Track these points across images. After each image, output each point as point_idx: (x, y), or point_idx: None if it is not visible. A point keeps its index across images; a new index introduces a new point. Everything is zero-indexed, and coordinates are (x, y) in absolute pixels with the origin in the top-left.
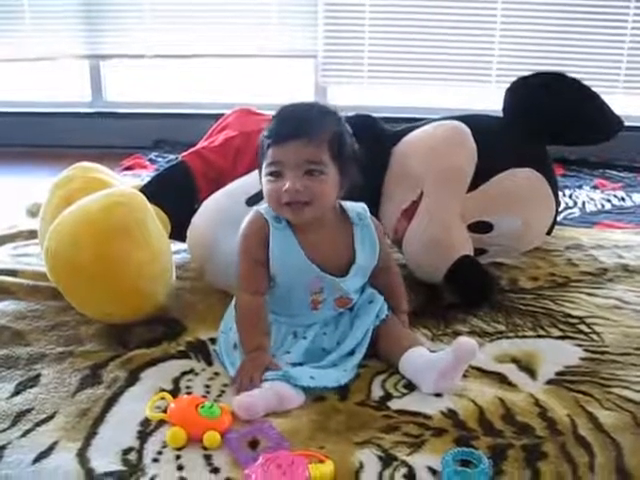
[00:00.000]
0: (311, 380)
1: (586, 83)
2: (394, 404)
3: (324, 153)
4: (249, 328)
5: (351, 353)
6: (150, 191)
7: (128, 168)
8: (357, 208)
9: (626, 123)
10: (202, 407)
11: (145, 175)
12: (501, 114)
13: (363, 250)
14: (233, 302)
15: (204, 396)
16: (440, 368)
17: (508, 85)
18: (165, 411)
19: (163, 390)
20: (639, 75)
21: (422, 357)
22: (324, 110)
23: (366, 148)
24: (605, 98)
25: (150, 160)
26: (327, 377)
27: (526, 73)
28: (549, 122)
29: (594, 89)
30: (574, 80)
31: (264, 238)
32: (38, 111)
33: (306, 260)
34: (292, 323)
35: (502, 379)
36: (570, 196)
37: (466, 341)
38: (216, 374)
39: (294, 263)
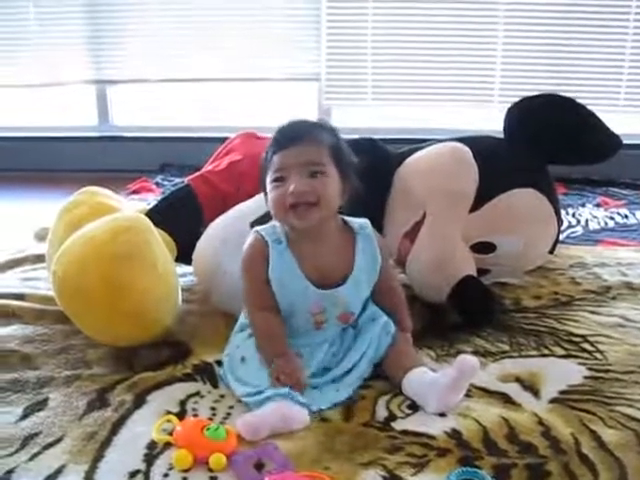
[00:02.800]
0: (311, 401)
1: (587, 102)
2: (398, 425)
3: (325, 156)
4: (269, 341)
5: (350, 370)
6: (156, 215)
7: (135, 192)
8: (359, 220)
9: (628, 141)
10: (208, 429)
11: (152, 199)
12: (502, 134)
13: (364, 259)
14: (237, 324)
15: (210, 418)
16: (442, 386)
17: (510, 105)
18: (171, 433)
19: (169, 413)
20: (639, 93)
21: (425, 377)
22: (322, 123)
23: (369, 170)
24: (606, 117)
25: (156, 184)
26: (322, 399)
27: (528, 94)
28: (549, 142)
29: (594, 108)
30: (573, 100)
31: (265, 259)
32: (45, 135)
33: (305, 281)
34: (298, 344)
35: (506, 399)
36: (573, 214)
37: (467, 358)
38: (222, 396)
39: (294, 285)
